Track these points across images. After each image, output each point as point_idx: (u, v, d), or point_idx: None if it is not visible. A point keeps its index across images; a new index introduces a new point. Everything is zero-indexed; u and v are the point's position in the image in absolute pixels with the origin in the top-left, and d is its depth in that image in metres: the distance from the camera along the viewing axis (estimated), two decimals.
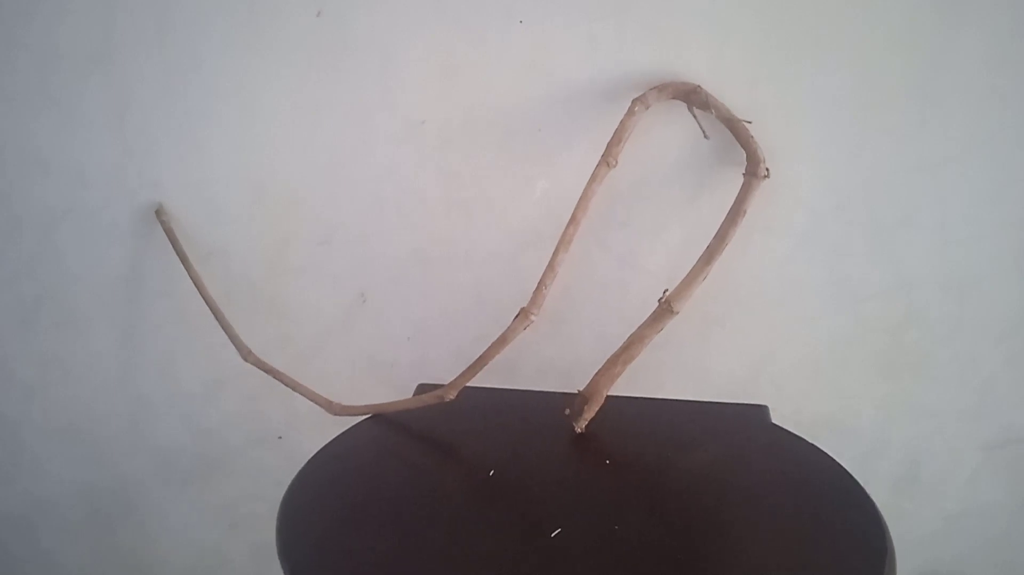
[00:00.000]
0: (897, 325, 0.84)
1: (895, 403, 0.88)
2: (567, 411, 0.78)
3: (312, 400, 0.87)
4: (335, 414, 0.86)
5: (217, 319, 0.88)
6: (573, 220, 0.74)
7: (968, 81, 0.73)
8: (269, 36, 0.80)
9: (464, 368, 0.77)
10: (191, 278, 0.88)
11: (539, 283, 0.75)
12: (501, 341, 0.75)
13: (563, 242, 0.75)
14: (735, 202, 0.73)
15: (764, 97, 0.75)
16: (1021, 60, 0.72)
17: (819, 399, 0.88)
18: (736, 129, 0.73)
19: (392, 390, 0.93)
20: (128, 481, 1.07)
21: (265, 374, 0.88)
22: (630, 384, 0.78)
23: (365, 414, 0.82)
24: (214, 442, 1.03)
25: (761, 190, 0.74)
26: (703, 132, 0.75)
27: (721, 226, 0.74)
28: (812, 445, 0.74)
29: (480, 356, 0.76)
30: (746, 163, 0.73)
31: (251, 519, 1.07)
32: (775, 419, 0.81)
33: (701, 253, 0.75)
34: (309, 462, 0.73)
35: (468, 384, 0.78)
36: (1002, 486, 0.91)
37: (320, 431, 0.78)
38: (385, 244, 0.88)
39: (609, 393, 0.77)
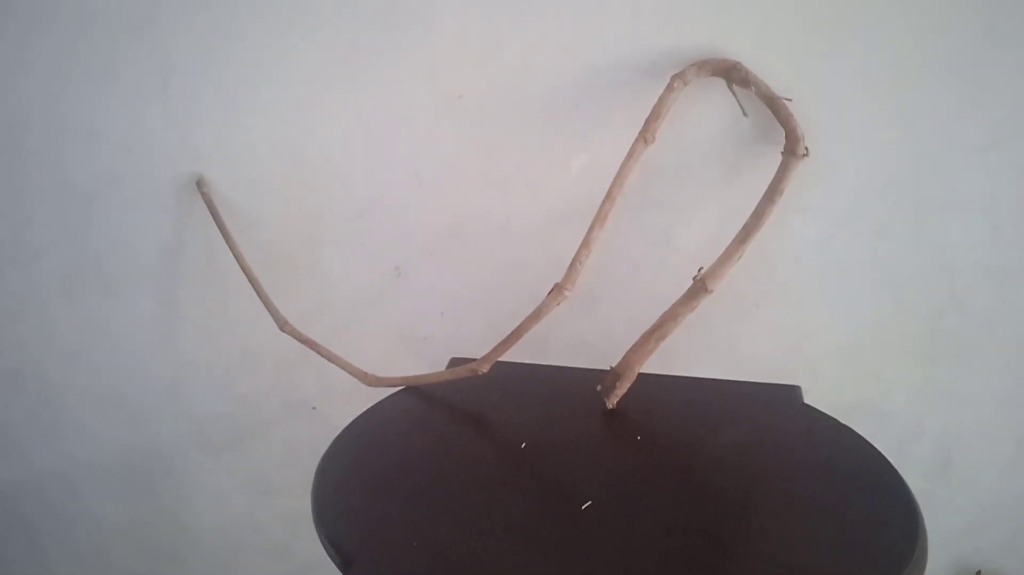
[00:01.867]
0: (937, 310, 0.82)
1: (932, 389, 0.87)
2: (599, 387, 0.78)
3: (347, 371, 0.89)
4: (369, 385, 0.87)
5: (255, 289, 0.90)
6: (609, 196, 0.74)
7: (1016, 63, 0.71)
8: (311, 7, 0.81)
9: (497, 342, 0.78)
10: (230, 249, 0.89)
11: (573, 259, 0.75)
12: (535, 316, 0.76)
13: (598, 219, 0.75)
14: (773, 181, 0.73)
15: (806, 75, 0.74)
16: None
17: (854, 383, 0.88)
18: (776, 107, 0.72)
19: (425, 363, 0.94)
20: (166, 445, 1.10)
21: (300, 344, 0.90)
22: (662, 362, 0.79)
23: (399, 386, 0.83)
24: (249, 410, 1.05)
25: (800, 170, 0.73)
26: (742, 109, 0.74)
27: (758, 205, 0.73)
28: (845, 426, 0.73)
29: (513, 331, 0.76)
30: (785, 142, 0.72)
31: (284, 486, 1.09)
32: (808, 401, 0.80)
33: (737, 232, 0.74)
34: (343, 431, 0.74)
35: (500, 358, 0.78)
36: None
37: (353, 402, 0.79)
38: (421, 218, 0.89)
39: (641, 370, 0.77)
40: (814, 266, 0.82)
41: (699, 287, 0.74)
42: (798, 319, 0.85)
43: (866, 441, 0.70)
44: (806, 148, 0.72)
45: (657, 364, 0.78)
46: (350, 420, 0.76)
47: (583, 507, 0.63)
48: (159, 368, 1.04)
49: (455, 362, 0.85)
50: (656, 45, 0.76)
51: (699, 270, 0.74)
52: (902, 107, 0.74)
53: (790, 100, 0.72)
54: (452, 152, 0.85)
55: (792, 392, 0.81)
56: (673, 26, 0.75)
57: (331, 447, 0.72)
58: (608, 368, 0.78)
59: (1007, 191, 0.76)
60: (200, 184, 0.89)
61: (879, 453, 0.69)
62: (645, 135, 0.73)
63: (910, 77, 0.73)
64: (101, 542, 1.20)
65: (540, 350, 0.88)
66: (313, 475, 0.68)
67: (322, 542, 0.61)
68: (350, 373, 0.88)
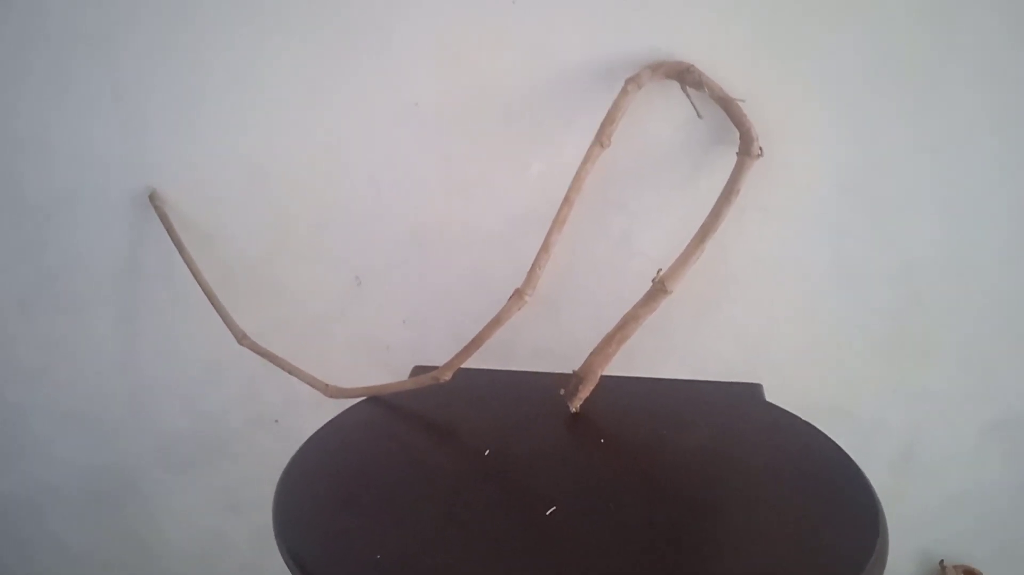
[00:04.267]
0: (898, 308, 0.83)
1: (894, 384, 0.88)
2: (562, 391, 0.78)
3: (307, 383, 0.88)
4: (330, 396, 0.86)
5: (212, 303, 0.89)
6: (566, 201, 0.74)
7: (972, 62, 0.72)
8: (266, 17, 0.80)
9: (460, 349, 0.77)
10: (185, 262, 0.88)
11: (533, 264, 0.75)
12: (495, 322, 0.75)
13: (557, 223, 0.74)
14: (728, 181, 0.73)
15: (762, 77, 0.74)
16: (1020, 43, 0.71)
17: (818, 381, 0.88)
18: (730, 108, 0.73)
19: (389, 372, 0.93)
20: (131, 463, 1.08)
21: (261, 357, 0.89)
22: (625, 364, 0.79)
23: (360, 396, 0.83)
24: (214, 425, 1.03)
25: (758, 169, 0.73)
26: (697, 111, 0.75)
27: (715, 205, 0.73)
28: (805, 422, 0.74)
29: (474, 337, 0.76)
30: (739, 142, 0.73)
31: (252, 501, 1.08)
32: (771, 399, 0.81)
33: (695, 233, 0.74)
34: (304, 445, 0.73)
35: (463, 365, 0.78)
36: (1000, 467, 0.91)
37: (317, 413, 0.79)
38: (381, 226, 0.88)
39: (603, 373, 0.77)
40: (773, 265, 0.83)
41: (659, 288, 0.74)
42: (759, 318, 0.86)
43: (828, 438, 0.71)
44: (760, 148, 0.72)
45: (620, 366, 0.78)
46: (314, 431, 0.75)
47: (547, 513, 0.62)
48: (120, 386, 1.03)
49: (418, 370, 0.85)
50: (610, 49, 0.76)
51: (658, 271, 0.74)
52: (857, 107, 0.75)
53: (743, 101, 0.73)
54: (411, 159, 0.84)
55: (754, 390, 0.81)
56: (627, 30, 0.75)
57: (292, 461, 0.71)
58: (571, 372, 0.78)
59: (962, 189, 0.77)
60: (153, 198, 0.88)
61: (841, 450, 0.69)
62: (601, 139, 0.73)
63: (867, 79, 0.74)
64: (65, 565, 1.18)
65: (503, 356, 0.88)
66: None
67: (284, 557, 0.60)
68: (310, 385, 0.87)
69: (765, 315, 0.86)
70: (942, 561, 0.96)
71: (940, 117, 0.75)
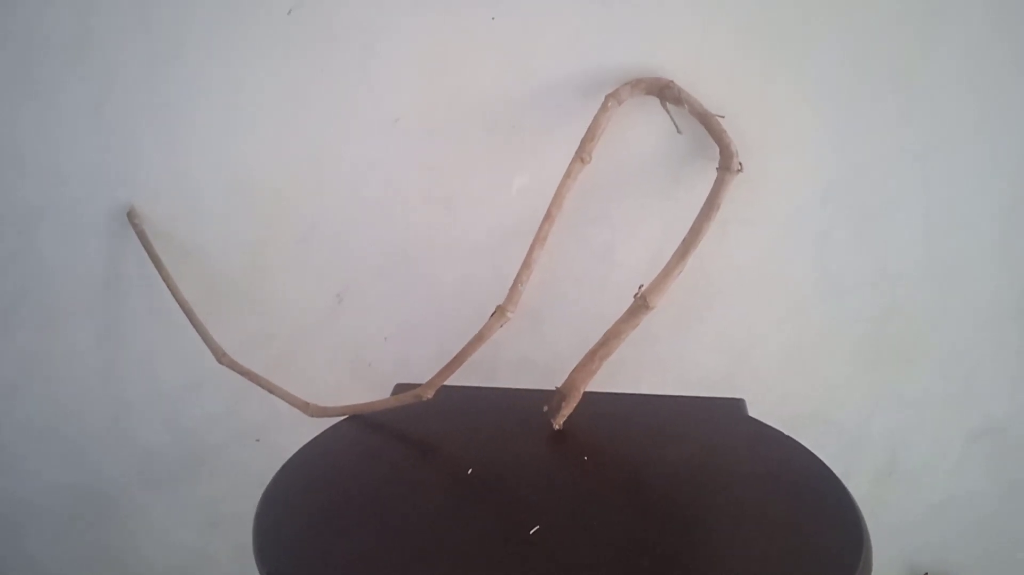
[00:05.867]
0: (880, 316, 0.84)
1: (877, 394, 0.88)
2: (545, 408, 0.77)
3: (288, 401, 0.87)
4: (311, 415, 0.85)
5: (191, 321, 0.88)
6: (548, 216, 0.74)
7: (950, 72, 0.73)
8: (247, 31, 0.80)
9: (442, 366, 0.77)
10: (164, 280, 0.87)
11: (515, 280, 0.75)
12: (478, 339, 0.75)
13: (538, 239, 0.74)
14: (709, 197, 0.73)
15: (742, 91, 0.75)
16: (1002, 51, 0.72)
17: (801, 392, 0.89)
18: (709, 124, 0.73)
19: (372, 389, 0.92)
20: (109, 481, 1.07)
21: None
22: (608, 380, 0.78)
23: (342, 415, 0.82)
24: (195, 442, 1.02)
25: (739, 183, 0.74)
26: (676, 127, 0.75)
27: (695, 221, 0.73)
28: (788, 437, 0.74)
29: (457, 354, 0.76)
30: (719, 158, 0.73)
31: (233, 518, 1.07)
32: (755, 413, 0.81)
33: (676, 248, 0.74)
34: (284, 465, 0.72)
35: (446, 383, 0.77)
36: (983, 475, 0.91)
37: (299, 431, 0.78)
38: (364, 241, 0.88)
39: (587, 389, 0.77)
40: (755, 277, 0.83)
41: (640, 304, 0.74)
42: (742, 331, 0.86)
43: (810, 452, 0.71)
44: (740, 163, 0.73)
45: (603, 382, 0.78)
46: (296, 450, 0.75)
47: (531, 532, 0.62)
48: (99, 402, 1.01)
49: (400, 388, 0.84)
50: (590, 64, 0.76)
51: (640, 287, 0.74)
52: (837, 118, 0.76)
53: (723, 117, 0.73)
54: (393, 174, 0.84)
55: (737, 406, 0.81)
56: (607, 46, 0.75)
57: (273, 480, 0.70)
58: (554, 388, 0.78)
59: (942, 197, 0.78)
60: (131, 215, 0.87)
61: (822, 463, 0.69)
62: (582, 155, 0.73)
63: (846, 90, 0.74)
64: None
65: (487, 372, 0.88)
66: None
67: None
68: (291, 404, 0.86)
69: (747, 327, 0.86)
70: (926, 573, 0.97)
71: (919, 126, 0.75)
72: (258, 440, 1.00)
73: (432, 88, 0.80)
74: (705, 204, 0.73)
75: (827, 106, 0.75)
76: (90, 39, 0.82)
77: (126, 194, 0.88)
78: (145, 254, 0.88)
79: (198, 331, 0.87)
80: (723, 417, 0.80)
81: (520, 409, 0.80)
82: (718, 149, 0.73)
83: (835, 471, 0.68)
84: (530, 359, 0.89)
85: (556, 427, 0.77)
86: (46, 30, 0.82)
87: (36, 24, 0.82)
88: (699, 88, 0.73)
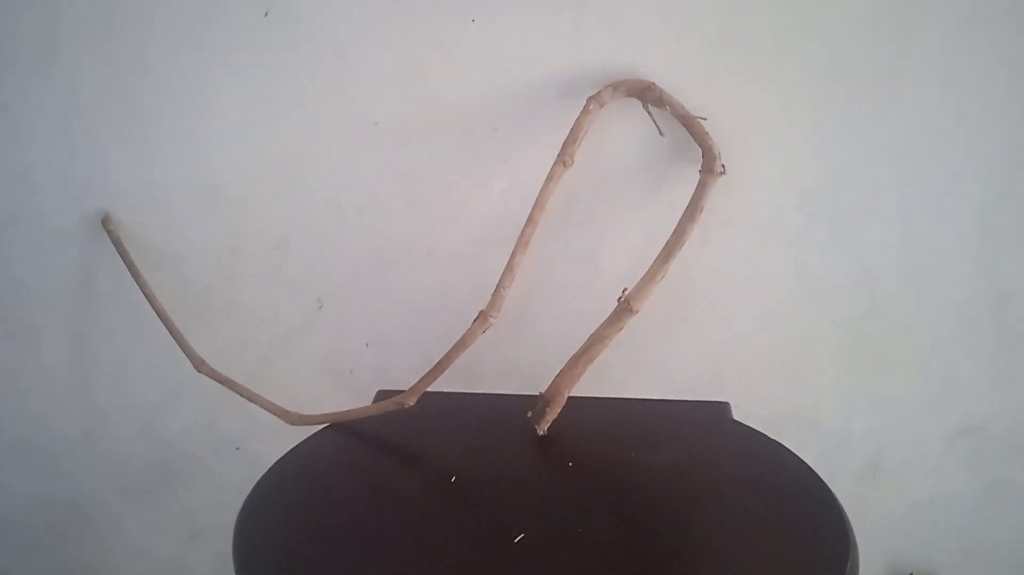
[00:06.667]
0: (859, 317, 0.84)
1: (858, 395, 0.88)
2: (529, 413, 0.77)
3: (268, 410, 0.86)
4: (292, 424, 0.84)
5: (168, 329, 0.86)
6: (530, 220, 0.74)
7: (926, 73, 0.73)
8: (217, 35, 0.79)
9: (425, 372, 0.76)
10: (140, 288, 0.86)
11: (497, 285, 0.74)
12: (460, 345, 0.74)
13: (521, 243, 0.74)
14: (692, 200, 0.73)
15: (721, 93, 0.75)
16: (978, 52, 0.72)
17: (783, 394, 0.89)
18: (691, 126, 0.73)
19: (353, 396, 0.91)
20: (84, 493, 1.05)
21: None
22: (592, 385, 0.78)
23: (323, 423, 0.81)
24: (172, 452, 1.00)
25: (720, 186, 0.73)
26: (659, 130, 0.75)
27: (679, 224, 0.73)
28: (773, 440, 0.74)
29: (439, 361, 0.75)
30: (702, 160, 0.73)
31: (212, 529, 1.05)
32: (738, 415, 0.81)
33: (659, 251, 0.74)
34: (265, 475, 0.71)
35: (428, 389, 0.77)
36: (964, 474, 0.92)
37: (280, 440, 0.77)
38: (342, 247, 0.87)
39: (571, 394, 0.76)
40: (737, 280, 0.83)
41: (624, 308, 0.73)
42: (724, 334, 0.86)
43: (795, 455, 0.71)
44: (723, 166, 0.73)
45: (587, 386, 0.77)
46: (277, 459, 0.74)
47: (516, 540, 0.61)
48: (73, 414, 0.99)
49: (382, 395, 0.83)
50: (571, 67, 0.76)
51: (624, 291, 0.74)
52: (816, 121, 0.76)
53: (705, 119, 0.73)
54: (371, 179, 0.83)
55: (721, 409, 0.81)
56: (587, 48, 0.75)
57: (253, 490, 0.69)
58: (538, 394, 0.77)
59: (919, 198, 0.78)
60: (106, 222, 0.86)
61: (808, 467, 0.69)
62: (564, 158, 0.73)
63: (823, 92, 0.74)
64: None
65: (470, 378, 0.87)
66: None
67: None
68: (271, 412, 0.85)
69: (730, 329, 0.86)
70: (911, 573, 0.97)
71: (896, 128, 0.75)
72: (238, 449, 0.99)
73: (409, 92, 0.79)
74: (688, 207, 0.73)
75: (806, 108, 0.75)
76: (58, 50, 0.81)
77: (97, 203, 0.87)
78: (119, 262, 0.87)
79: (176, 340, 0.86)
80: (708, 421, 0.80)
81: (504, 415, 0.79)
82: (700, 151, 0.73)
83: (818, 472, 0.68)
84: (513, 364, 0.89)
85: (540, 433, 0.76)
86: (11, 40, 0.81)
87: (2, 38, 0.80)
88: (680, 90, 0.73)
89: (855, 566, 0.58)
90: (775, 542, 0.61)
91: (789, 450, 0.72)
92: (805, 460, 0.70)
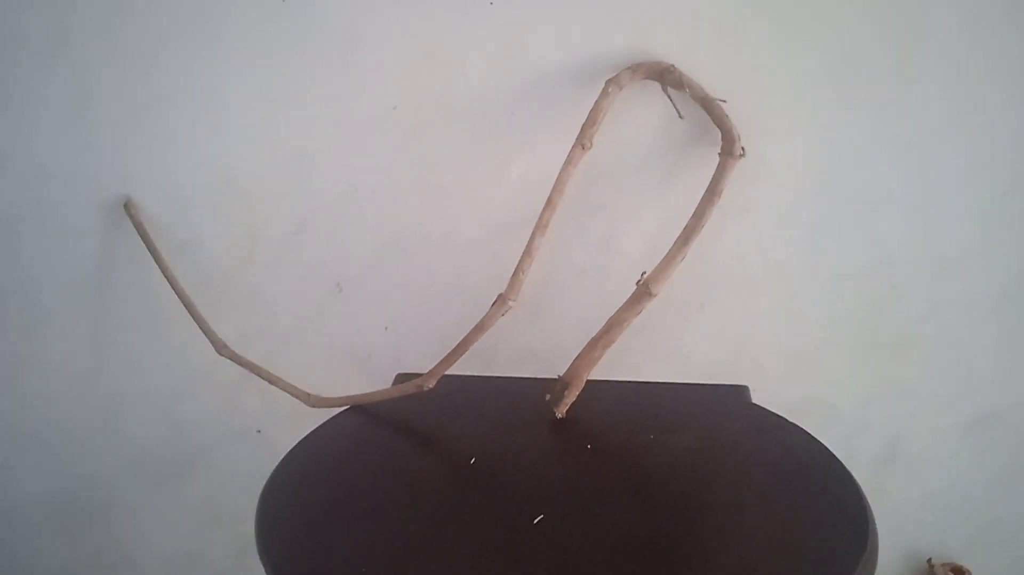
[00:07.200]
0: (878, 304, 0.84)
1: (876, 382, 0.88)
2: (547, 397, 0.77)
3: (289, 392, 0.86)
4: (312, 406, 0.85)
5: (190, 313, 0.87)
6: (549, 203, 0.74)
7: (946, 57, 0.73)
8: (232, 21, 0.79)
9: (443, 356, 0.76)
10: (162, 272, 0.86)
11: (516, 268, 0.74)
12: (479, 328, 0.74)
13: (540, 226, 0.74)
14: (711, 182, 0.73)
15: (740, 76, 0.74)
16: (997, 37, 0.71)
17: (800, 379, 0.88)
18: (711, 108, 0.72)
19: (371, 380, 0.92)
20: (105, 478, 1.06)
21: (241, 367, 0.87)
22: (610, 368, 0.78)
23: (343, 405, 0.81)
24: (191, 437, 1.01)
25: (738, 169, 0.73)
26: (677, 112, 0.74)
27: (698, 207, 0.73)
28: (793, 424, 0.74)
29: (458, 344, 0.75)
30: (721, 143, 0.73)
31: (232, 513, 1.06)
32: (756, 400, 0.81)
33: (678, 234, 0.74)
34: (286, 457, 0.72)
35: (447, 372, 0.77)
36: (981, 462, 0.91)
37: (299, 423, 0.77)
38: (360, 232, 0.87)
39: (589, 377, 0.76)
40: (755, 265, 0.83)
41: (643, 291, 0.73)
42: (742, 318, 0.86)
43: (814, 438, 0.71)
44: (742, 148, 0.72)
45: (605, 370, 0.77)
46: (296, 442, 0.74)
47: (535, 522, 0.62)
48: (94, 397, 1.00)
49: (401, 378, 0.84)
50: (589, 50, 0.75)
51: (642, 274, 0.74)
52: (835, 105, 0.75)
53: (724, 101, 0.72)
54: (388, 164, 0.83)
55: (740, 392, 0.81)
56: (606, 30, 0.75)
57: (275, 472, 0.70)
58: (556, 377, 0.77)
59: (939, 185, 0.77)
60: (128, 206, 0.86)
61: (827, 450, 0.69)
62: (582, 141, 0.73)
63: (842, 76, 0.74)
64: None
65: (488, 361, 0.87)
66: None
67: (266, 571, 0.59)
68: (292, 395, 0.86)
69: (748, 314, 0.86)
70: (930, 559, 0.97)
71: (916, 114, 0.75)
72: (259, 431, 0.99)
73: (426, 76, 0.79)
74: (707, 190, 0.73)
75: (821, 92, 0.75)
76: (75, 38, 0.81)
77: (116, 189, 0.88)
78: (138, 249, 0.87)
79: (198, 323, 0.87)
80: (726, 404, 0.80)
81: (522, 398, 0.79)
82: (720, 134, 0.73)
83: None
84: (531, 348, 0.89)
85: (559, 416, 0.76)
86: (22, 31, 0.81)
87: (11, 26, 0.81)
88: (699, 72, 0.73)
89: (874, 550, 0.58)
90: (794, 525, 0.61)
91: (808, 433, 0.72)
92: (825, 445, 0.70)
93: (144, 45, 0.81)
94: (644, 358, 0.87)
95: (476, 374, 0.84)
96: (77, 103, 0.84)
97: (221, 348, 0.87)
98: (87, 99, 0.83)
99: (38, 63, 0.82)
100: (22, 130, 0.86)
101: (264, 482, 0.68)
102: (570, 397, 0.76)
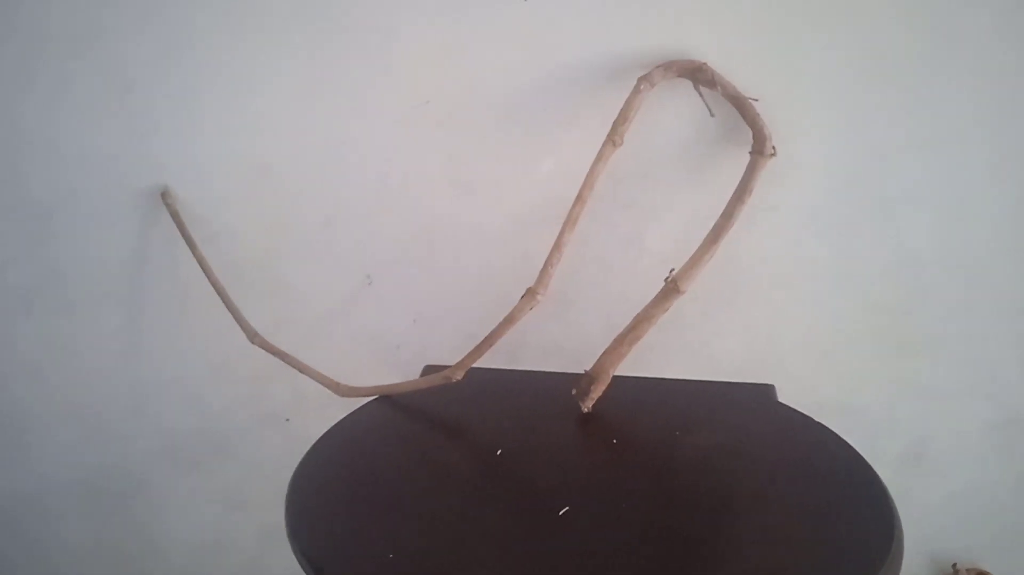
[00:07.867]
0: (904, 304, 0.83)
1: (901, 383, 0.88)
2: (574, 391, 0.77)
3: (319, 381, 0.87)
4: (342, 395, 0.86)
5: (223, 301, 0.88)
6: (579, 199, 0.74)
7: (975, 56, 0.72)
8: (269, 14, 0.80)
9: (471, 348, 0.77)
10: (197, 260, 0.88)
11: (545, 263, 0.74)
12: (508, 321, 0.75)
13: (569, 221, 0.74)
14: (741, 181, 0.73)
15: (770, 74, 0.74)
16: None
17: (825, 379, 0.88)
18: (742, 107, 0.72)
19: (398, 372, 0.93)
20: (135, 462, 1.08)
21: (270, 356, 0.88)
22: (636, 364, 0.78)
23: (372, 395, 0.82)
24: (221, 424, 1.03)
25: (767, 169, 0.73)
26: (709, 110, 0.75)
27: (727, 205, 0.73)
28: (819, 424, 0.74)
29: (487, 336, 0.76)
30: (752, 141, 0.73)
31: (258, 500, 1.08)
32: (783, 398, 0.81)
33: (707, 233, 0.74)
34: (316, 444, 0.73)
35: (474, 365, 0.78)
36: (1006, 465, 0.91)
37: (326, 413, 0.78)
38: (389, 225, 0.88)
39: (615, 373, 0.77)
40: (783, 264, 0.83)
41: (671, 288, 0.73)
42: (769, 317, 0.86)
43: (840, 438, 0.71)
44: (773, 147, 0.72)
45: (631, 366, 0.78)
46: (324, 431, 0.75)
47: (560, 513, 0.62)
48: (125, 384, 1.02)
49: (429, 369, 0.84)
50: (622, 47, 0.76)
51: (671, 271, 0.74)
52: (863, 104, 0.75)
53: (756, 100, 0.72)
54: (419, 157, 0.84)
55: (766, 391, 0.81)
56: (638, 28, 0.75)
57: (304, 459, 0.71)
58: (583, 372, 0.78)
59: (966, 184, 0.77)
60: (165, 195, 0.88)
61: (854, 450, 0.69)
62: (613, 137, 0.73)
63: (871, 75, 0.74)
64: (69, 563, 1.17)
65: (514, 355, 0.88)
66: (286, 488, 0.67)
67: (296, 556, 0.60)
68: (322, 383, 0.87)
69: (775, 314, 0.86)
70: (955, 564, 0.96)
71: (943, 114, 0.74)
72: (288, 420, 1.01)
73: (458, 71, 0.80)
74: (738, 188, 0.73)
75: (849, 91, 0.74)
76: (113, 28, 0.82)
77: (151, 178, 0.89)
78: (173, 236, 0.89)
79: (231, 312, 0.88)
80: (752, 403, 0.80)
81: (549, 392, 0.80)
82: (750, 133, 0.73)
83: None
84: (558, 343, 0.89)
85: (585, 410, 0.77)
86: (61, 20, 0.83)
87: (50, 15, 0.82)
88: (731, 71, 0.73)
89: (899, 552, 0.57)
90: (819, 525, 0.61)
91: (834, 433, 0.72)
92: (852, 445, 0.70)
93: (182, 37, 0.82)
94: (670, 355, 0.87)
95: (503, 367, 0.84)
96: (115, 93, 0.85)
97: (253, 336, 0.88)
98: (125, 89, 0.85)
99: (76, 53, 0.84)
100: (60, 119, 0.87)
101: (291, 470, 0.69)
102: (596, 392, 0.76)
